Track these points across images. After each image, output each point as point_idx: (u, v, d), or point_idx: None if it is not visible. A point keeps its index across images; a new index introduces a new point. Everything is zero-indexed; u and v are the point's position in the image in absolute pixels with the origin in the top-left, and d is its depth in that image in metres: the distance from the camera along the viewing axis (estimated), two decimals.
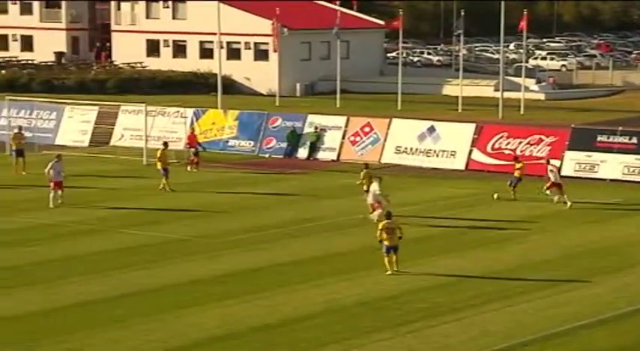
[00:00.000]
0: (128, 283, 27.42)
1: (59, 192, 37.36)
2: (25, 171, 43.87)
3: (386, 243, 28.06)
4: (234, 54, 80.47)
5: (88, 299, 25.95)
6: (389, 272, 27.91)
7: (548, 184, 38.76)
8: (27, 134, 49.72)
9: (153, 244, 32.03)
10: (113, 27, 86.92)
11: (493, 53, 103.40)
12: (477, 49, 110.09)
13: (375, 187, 34.71)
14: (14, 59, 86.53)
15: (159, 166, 41.33)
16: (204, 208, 37.74)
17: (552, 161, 41.19)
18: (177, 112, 53.40)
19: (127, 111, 54.36)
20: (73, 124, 54.47)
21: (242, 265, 29.53)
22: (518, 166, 40.06)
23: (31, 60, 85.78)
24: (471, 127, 48.29)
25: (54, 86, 75.59)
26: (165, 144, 42.92)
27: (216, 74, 64.61)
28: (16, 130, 47.35)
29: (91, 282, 27.57)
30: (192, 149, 46.76)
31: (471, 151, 47.01)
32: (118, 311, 24.98)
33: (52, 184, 37.39)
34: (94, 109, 54.63)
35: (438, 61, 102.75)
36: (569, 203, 37.83)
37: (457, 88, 72.38)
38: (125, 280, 27.75)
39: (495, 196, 39.25)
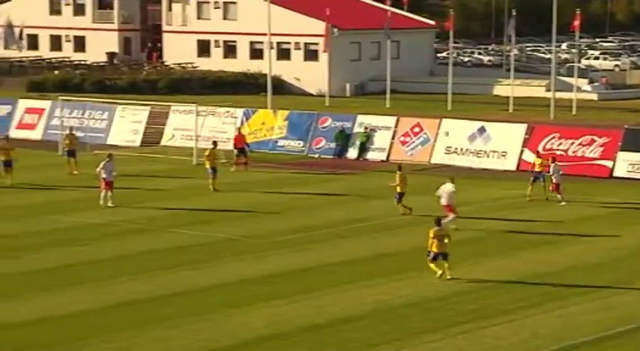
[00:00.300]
0: (177, 283, 27.48)
1: (110, 192, 37.54)
2: (77, 171, 44.21)
3: (434, 250, 27.64)
4: (284, 54, 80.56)
5: (137, 298, 26.06)
6: (439, 273, 27.58)
7: (552, 186, 38.42)
8: (79, 134, 50.16)
9: (201, 244, 32.09)
10: (164, 28, 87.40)
11: (545, 53, 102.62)
12: (528, 49, 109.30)
13: (449, 187, 33.72)
14: (67, 60, 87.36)
15: (207, 165, 41.44)
16: (253, 208, 37.77)
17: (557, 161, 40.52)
18: (228, 112, 53.55)
19: (177, 111, 54.60)
20: (125, 124, 54.79)
21: (290, 265, 29.51)
22: (539, 162, 39.65)
23: (84, 60, 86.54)
24: (523, 127, 47.92)
25: (106, 86, 76.15)
26: (215, 144, 43.04)
27: (266, 74, 64.72)
28: (67, 131, 47.73)
29: (140, 281, 27.68)
30: (237, 150, 46.78)
31: (522, 152, 46.64)
32: (166, 310, 25.03)
33: (103, 184, 37.62)
34: (145, 109, 54.90)
35: (489, 61, 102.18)
36: (564, 202, 37.59)
37: (508, 88, 71.88)
38: (174, 280, 27.81)
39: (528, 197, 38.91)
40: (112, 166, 37.94)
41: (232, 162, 46.57)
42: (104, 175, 37.55)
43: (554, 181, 38.48)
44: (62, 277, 28.15)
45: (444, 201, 33.73)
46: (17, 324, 23.98)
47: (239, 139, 47.41)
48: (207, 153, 41.90)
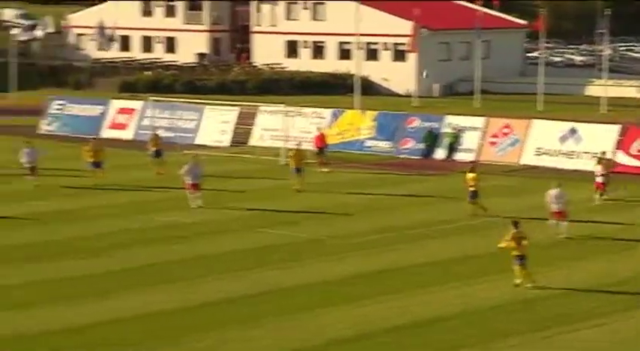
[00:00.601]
0: (262, 283, 27.58)
1: (197, 193, 37.66)
2: (163, 171, 44.52)
3: (515, 252, 27.16)
4: (372, 55, 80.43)
5: (225, 297, 26.18)
6: (518, 282, 26.96)
7: (601, 189, 37.78)
8: (168, 134, 50.66)
9: (287, 244, 32.15)
10: (253, 28, 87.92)
11: (638, 53, 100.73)
12: (621, 48, 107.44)
13: (557, 192, 32.97)
14: (158, 61, 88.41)
15: (292, 166, 41.50)
16: (340, 208, 37.70)
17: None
18: (315, 112, 53.59)
19: (266, 111, 54.85)
20: (214, 124, 55.06)
21: (375, 265, 29.40)
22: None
23: (174, 61, 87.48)
24: (615, 128, 47.09)
25: (196, 87, 76.88)
26: (299, 144, 43.06)
27: (353, 75, 64.66)
28: (153, 132, 48.13)
29: (227, 281, 27.82)
30: (318, 150, 46.71)
31: (614, 154, 45.82)
32: (252, 310, 25.13)
33: (188, 186, 37.82)
34: (234, 109, 55.14)
35: (581, 61, 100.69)
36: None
37: (600, 88, 70.75)
38: (259, 280, 27.92)
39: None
40: (198, 169, 38.01)
41: (319, 162, 46.57)
42: (189, 180, 37.61)
43: (602, 181, 37.90)
44: (151, 276, 28.42)
45: (554, 207, 32.97)
46: (107, 322, 24.28)
47: (320, 140, 47.45)
48: (292, 153, 41.95)
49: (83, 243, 32.23)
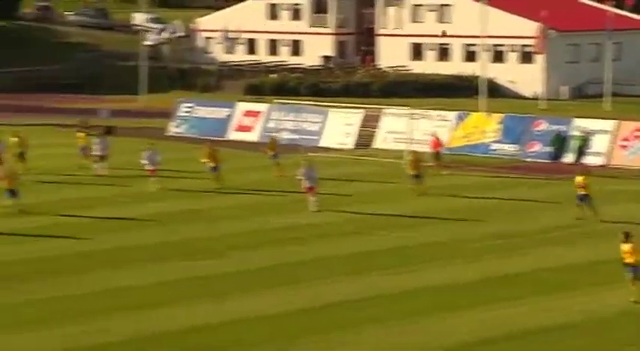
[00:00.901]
0: (385, 285, 27.48)
1: (313, 197, 37.53)
2: (281, 173, 44.27)
3: (627, 260, 26.13)
4: (498, 56, 79.46)
5: (346, 299, 26.19)
6: (633, 299, 25.83)
7: None
8: (293, 137, 50.87)
9: (408, 247, 31.99)
10: (378, 31, 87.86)
11: None
12: None
13: None
14: (284, 63, 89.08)
15: (409, 171, 41.09)
16: (464, 211, 37.35)
17: None
18: (440, 115, 53.21)
19: (390, 114, 54.68)
20: (338, 126, 55.20)
21: (498, 270, 29.02)
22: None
23: (300, 64, 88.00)
24: None
25: (320, 89, 77.15)
26: (416, 149, 42.63)
27: (479, 77, 63.99)
28: (271, 135, 48.31)
29: (347, 283, 27.83)
30: (434, 153, 46.36)
31: None
32: (373, 312, 25.08)
33: (305, 189, 37.72)
34: (358, 112, 55.20)
35: None
36: None
37: None
38: (382, 282, 27.84)
39: None
40: (313, 172, 37.96)
41: (437, 165, 46.05)
42: (306, 183, 37.61)
43: None
44: (269, 277, 28.59)
45: None
46: (227, 322, 24.49)
47: (436, 143, 47.01)
48: (409, 159, 41.52)
49: (202, 244, 32.55)
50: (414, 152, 42.15)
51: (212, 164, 42.47)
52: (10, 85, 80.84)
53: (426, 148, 47.04)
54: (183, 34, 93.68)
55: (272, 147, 46.16)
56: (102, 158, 45.22)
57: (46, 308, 25.66)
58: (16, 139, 45.79)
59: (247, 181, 43.87)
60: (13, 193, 36.99)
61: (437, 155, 46.65)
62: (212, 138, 54.60)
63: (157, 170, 41.97)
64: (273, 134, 49.17)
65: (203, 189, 41.49)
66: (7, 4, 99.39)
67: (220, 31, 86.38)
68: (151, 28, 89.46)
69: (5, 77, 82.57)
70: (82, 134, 47.79)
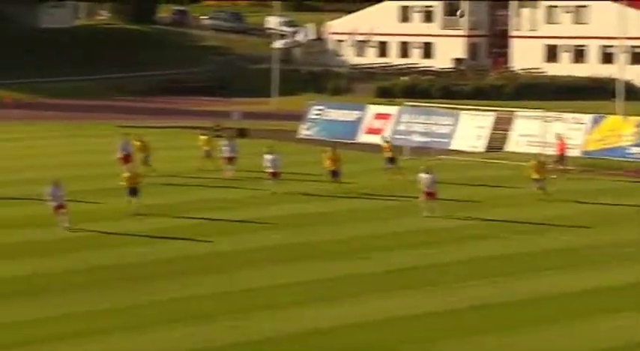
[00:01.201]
0: (522, 289, 27.23)
1: (431, 202, 36.99)
2: (401, 176, 43.57)
3: None
4: (637, 59, 77.63)
5: (483, 304, 25.98)
6: None
7: None
8: (423, 139, 50.44)
9: (541, 252, 31.56)
10: (512, 33, 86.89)
11: None
12: None
13: None
14: (415, 66, 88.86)
15: (533, 175, 40.26)
16: (597, 217, 36.60)
17: None
18: (575, 118, 52.18)
19: (523, 116, 53.94)
20: (469, 129, 54.72)
21: (634, 278, 28.39)
22: None
23: (431, 67, 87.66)
24: None
25: (451, 92, 76.81)
26: (539, 154, 41.86)
27: (616, 80, 62.54)
28: (385, 138, 47.88)
29: (485, 286, 27.65)
30: (559, 157, 45.41)
31: None
32: (512, 316, 24.97)
33: (423, 194, 37.17)
34: (489, 114, 54.67)
35: None
36: None
37: None
38: (518, 286, 27.62)
39: None
40: (432, 178, 37.27)
41: (562, 169, 45.09)
42: (425, 189, 37.14)
43: None
44: (409, 278, 28.59)
45: None
46: (365, 323, 24.51)
47: (561, 146, 46.04)
48: (531, 164, 40.82)
49: (329, 246, 32.52)
50: (539, 155, 41.44)
51: (332, 168, 42.28)
52: (147, 88, 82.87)
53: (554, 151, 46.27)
54: (315, 37, 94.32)
55: (388, 150, 45.62)
56: (230, 161, 45.53)
57: (171, 309, 25.85)
58: (138, 143, 46.31)
59: (376, 184, 43.60)
60: (133, 191, 37.28)
61: (562, 158, 45.66)
62: (342, 140, 54.89)
63: (278, 173, 42.02)
64: (388, 137, 48.62)
65: (329, 192, 41.33)
66: (145, 9, 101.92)
67: (349, 33, 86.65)
68: (284, 31, 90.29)
69: (143, 80, 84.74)
70: (204, 137, 48.18)
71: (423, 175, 37.34)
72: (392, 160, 45.03)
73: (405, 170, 43.75)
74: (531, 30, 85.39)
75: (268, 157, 42.42)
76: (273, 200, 40.01)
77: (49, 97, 78.42)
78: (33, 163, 49.01)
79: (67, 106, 74.66)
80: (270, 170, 42.01)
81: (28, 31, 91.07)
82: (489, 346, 22.85)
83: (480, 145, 53.48)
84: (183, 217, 36.78)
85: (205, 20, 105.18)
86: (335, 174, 42.07)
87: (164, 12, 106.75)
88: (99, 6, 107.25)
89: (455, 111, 55.70)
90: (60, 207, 34.69)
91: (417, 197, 37.49)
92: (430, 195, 37.00)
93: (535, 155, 42.23)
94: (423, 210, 36.85)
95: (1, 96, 77.05)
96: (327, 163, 42.36)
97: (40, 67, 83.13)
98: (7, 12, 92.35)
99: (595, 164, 46.78)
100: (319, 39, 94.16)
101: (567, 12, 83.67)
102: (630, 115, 53.63)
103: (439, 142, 54.07)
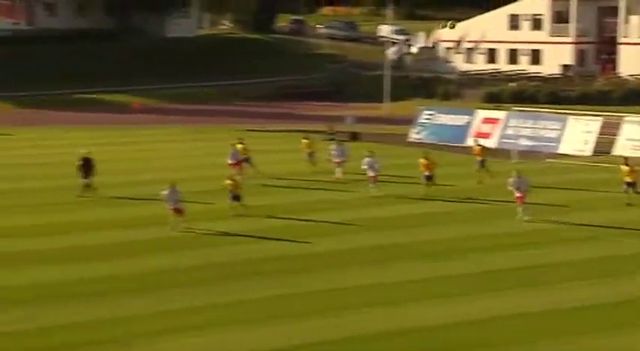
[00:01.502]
0: (621, 291, 27.56)
1: (522, 206, 36.94)
2: (491, 179, 44.00)
3: None
4: None
5: (583, 305, 26.38)
6: None
7: None
8: (531, 143, 51.57)
9: (635, 256, 31.82)
10: (620, 39, 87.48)
11: None
12: None
13: None
14: (523, 72, 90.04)
15: (628, 178, 40.29)
16: None
17: None
18: None
19: (630, 122, 54.71)
20: (576, 133, 55.29)
21: None
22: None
23: (539, 73, 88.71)
24: None
25: (558, 97, 77.41)
26: (626, 158, 41.82)
27: None
28: (477, 142, 48.50)
29: (585, 289, 27.99)
30: None
31: None
32: (610, 318, 25.27)
33: (516, 199, 37.38)
34: (597, 119, 55.11)
35: None
36: None
37: None
38: (618, 288, 27.93)
39: None
40: (525, 181, 37.56)
41: None
42: (516, 192, 37.32)
43: None
44: (508, 279, 28.88)
45: None
46: (461, 323, 24.98)
47: None
48: (624, 165, 40.80)
49: (426, 247, 32.74)
50: (628, 159, 41.53)
51: (426, 173, 42.10)
52: (266, 94, 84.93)
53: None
54: (425, 45, 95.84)
55: (481, 153, 46.04)
56: (339, 164, 45.78)
57: (266, 307, 26.20)
58: (240, 146, 46.34)
59: (477, 187, 43.84)
60: (236, 197, 37.49)
61: None
62: (451, 144, 56.38)
63: (377, 176, 42.12)
64: (480, 141, 49.16)
65: (428, 195, 41.31)
66: (265, 19, 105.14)
67: (456, 41, 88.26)
68: (396, 39, 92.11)
69: (262, 87, 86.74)
70: (306, 141, 48.74)
71: (513, 180, 37.45)
72: (482, 162, 45.50)
73: (495, 173, 43.88)
74: None
75: (367, 160, 42.54)
76: (372, 202, 40.11)
77: (172, 103, 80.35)
78: (153, 165, 50.09)
79: (189, 111, 76.28)
80: (371, 174, 42.12)
81: (156, 41, 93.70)
82: (585, 346, 23.13)
83: (587, 150, 54.10)
84: (279, 218, 36.88)
85: (321, 29, 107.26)
86: (429, 178, 42.04)
87: (283, 22, 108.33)
88: (221, 16, 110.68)
89: (563, 116, 56.21)
90: (177, 210, 34.95)
91: (513, 202, 37.46)
92: (520, 199, 37.12)
93: (625, 158, 41.92)
94: (518, 213, 36.87)
95: (130, 101, 79.94)
96: (422, 168, 42.25)
97: (165, 74, 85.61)
98: (138, 23, 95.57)
99: None
100: (431, 47, 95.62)
101: None
102: None
103: (547, 146, 54.96)
